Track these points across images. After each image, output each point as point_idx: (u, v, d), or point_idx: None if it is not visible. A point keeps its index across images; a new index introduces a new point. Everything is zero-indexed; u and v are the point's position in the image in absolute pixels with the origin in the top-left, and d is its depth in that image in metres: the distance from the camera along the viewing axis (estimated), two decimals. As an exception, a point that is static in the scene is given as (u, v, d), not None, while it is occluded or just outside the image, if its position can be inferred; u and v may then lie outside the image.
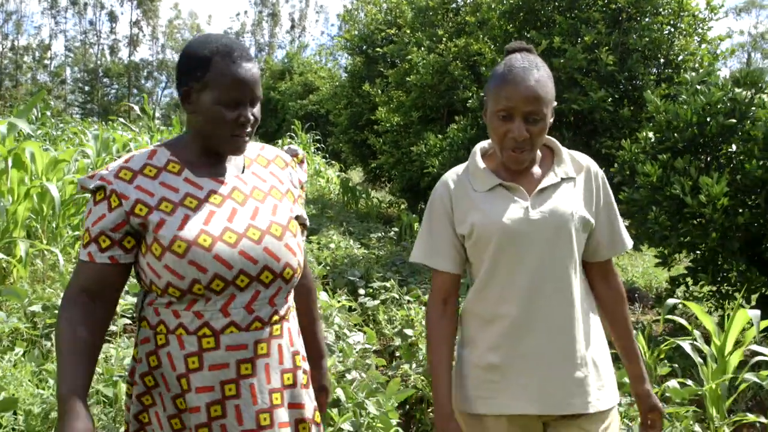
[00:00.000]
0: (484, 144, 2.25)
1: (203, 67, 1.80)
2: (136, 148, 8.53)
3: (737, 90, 5.97)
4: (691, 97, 6.14)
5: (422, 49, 12.35)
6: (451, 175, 2.20)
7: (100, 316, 1.82)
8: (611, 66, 8.22)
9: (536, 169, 2.14)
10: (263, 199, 1.92)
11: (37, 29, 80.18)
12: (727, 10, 65.49)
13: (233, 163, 1.95)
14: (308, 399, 1.96)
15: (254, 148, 2.04)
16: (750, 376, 3.84)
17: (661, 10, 8.87)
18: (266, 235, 1.84)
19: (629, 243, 2.24)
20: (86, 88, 64.49)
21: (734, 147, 5.91)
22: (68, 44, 67.40)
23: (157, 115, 19.22)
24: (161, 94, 68.08)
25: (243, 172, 1.95)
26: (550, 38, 8.55)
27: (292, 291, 1.98)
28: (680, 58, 8.89)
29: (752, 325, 4.16)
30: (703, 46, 9.01)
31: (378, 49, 15.42)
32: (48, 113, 14.25)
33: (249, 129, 1.85)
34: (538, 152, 2.15)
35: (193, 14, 72.65)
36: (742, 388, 4.07)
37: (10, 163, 5.29)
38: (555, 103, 2.08)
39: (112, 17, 67.86)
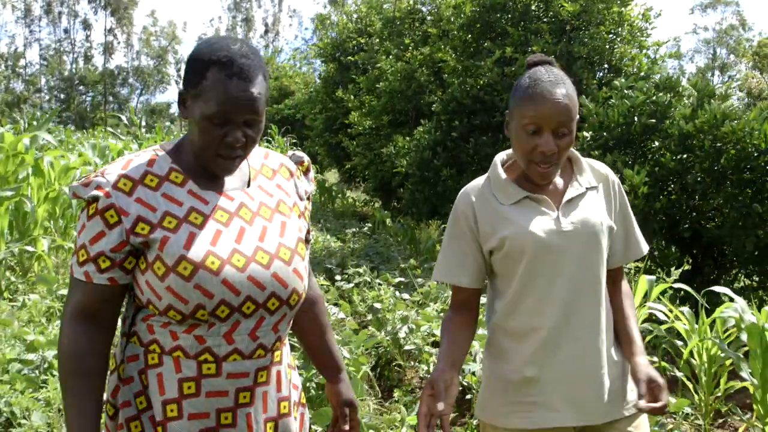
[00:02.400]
0: (503, 155, 2.22)
1: (199, 74, 1.66)
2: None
3: (659, 94, 6.94)
4: (619, 100, 7.09)
5: (390, 57, 13.28)
6: (472, 189, 2.16)
7: (102, 337, 1.74)
8: (557, 72, 9.17)
9: (558, 180, 2.13)
10: (270, 217, 1.80)
11: (11, 38, 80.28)
12: (693, 6, 67.11)
13: (238, 175, 1.83)
14: (296, 425, 1.91)
15: (258, 155, 1.91)
16: (646, 326, 4.76)
17: (604, 20, 9.86)
18: (275, 259, 1.73)
19: (645, 248, 2.25)
20: (62, 96, 64.76)
21: (656, 143, 6.87)
22: (43, 53, 67.60)
23: (125, 120, 19.89)
24: (137, 101, 68.48)
25: (249, 185, 1.83)
26: (503, 48, 9.51)
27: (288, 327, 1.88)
28: (623, 62, 9.90)
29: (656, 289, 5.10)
30: (642, 51, 10.02)
31: (350, 57, 16.36)
32: (35, 123, 15.00)
33: (239, 151, 1.70)
34: None
35: (171, 23, 72.90)
36: (648, 339, 5.01)
37: (30, 171, 6.16)
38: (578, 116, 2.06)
39: (86, 25, 68.14)
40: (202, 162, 1.75)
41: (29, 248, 5.70)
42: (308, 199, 1.98)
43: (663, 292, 5.23)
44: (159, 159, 1.77)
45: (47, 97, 65.56)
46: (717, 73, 64.37)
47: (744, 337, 4.05)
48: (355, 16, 18.03)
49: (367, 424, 3.49)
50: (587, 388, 2.05)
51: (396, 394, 4.32)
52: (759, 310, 4.25)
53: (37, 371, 3.79)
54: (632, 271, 7.18)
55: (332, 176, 22.16)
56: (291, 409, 1.86)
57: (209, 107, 1.64)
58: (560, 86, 1.97)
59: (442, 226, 11.22)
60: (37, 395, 3.51)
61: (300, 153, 2.02)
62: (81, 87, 65.89)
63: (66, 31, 68.37)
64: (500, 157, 2.20)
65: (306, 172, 1.99)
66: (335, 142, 17.16)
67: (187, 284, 1.64)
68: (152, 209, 1.68)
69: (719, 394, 4.33)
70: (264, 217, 1.79)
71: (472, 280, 2.11)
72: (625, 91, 7.24)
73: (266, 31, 78.08)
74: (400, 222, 11.74)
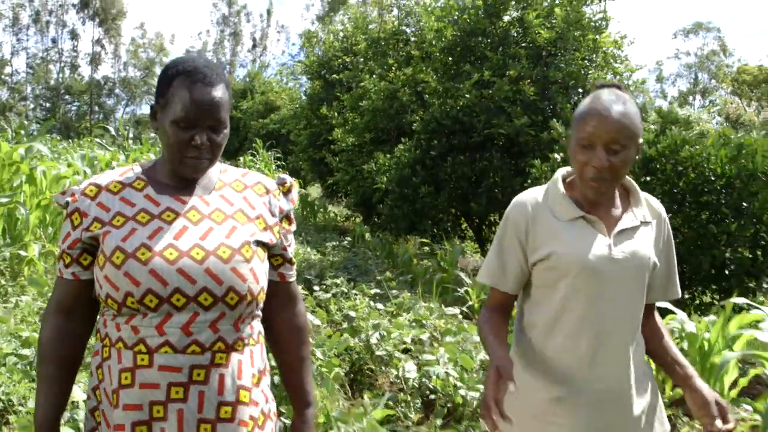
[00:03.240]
0: (565, 170, 2.23)
1: (167, 85, 1.79)
2: (119, 166, 9.66)
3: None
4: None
5: (374, 76, 13.62)
6: (528, 198, 2.16)
7: (78, 331, 1.90)
8: (533, 96, 9.56)
9: (614, 208, 2.13)
10: (222, 221, 1.85)
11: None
12: (676, 31, 68.05)
13: (203, 185, 1.91)
14: None
15: (235, 173, 1.99)
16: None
17: (580, 47, 10.26)
18: (211, 255, 1.77)
19: (679, 292, 2.25)
20: (47, 105, 64.75)
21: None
22: (30, 61, 67.63)
23: (113, 131, 20.12)
24: (123, 112, 68.53)
25: (210, 194, 1.90)
26: (481, 71, 9.89)
27: (253, 324, 1.91)
28: (597, 88, 10.27)
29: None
30: (616, 77, 10.42)
31: (335, 75, 16.71)
32: (22, 132, 15.22)
33: (206, 153, 1.80)
34: (616, 191, 2.14)
35: (159, 34, 73.10)
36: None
37: (23, 179, 6.45)
38: (642, 140, 2.05)
39: (74, 35, 68.25)
40: (173, 167, 1.84)
41: (22, 252, 5.97)
42: (287, 218, 1.99)
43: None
44: (132, 170, 1.92)
45: (32, 106, 65.49)
46: (699, 97, 65.35)
47: (686, 345, 4.37)
48: (341, 35, 18.40)
49: (336, 417, 3.75)
50: (614, 416, 2.06)
51: (366, 396, 4.60)
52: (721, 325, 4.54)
53: (29, 366, 4.05)
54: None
55: (315, 191, 22.47)
56: (236, 416, 1.81)
57: (175, 112, 1.75)
58: (618, 104, 1.98)
59: (420, 240, 11.56)
60: (32, 386, 3.78)
61: (284, 176, 2.05)
62: (67, 96, 65.89)
63: (54, 40, 68.50)
64: (561, 172, 2.21)
65: (286, 193, 2.01)
66: (319, 157, 17.48)
67: (118, 272, 1.72)
68: (107, 210, 1.81)
69: (666, 400, 4.62)
70: (214, 220, 1.84)
71: (513, 287, 2.16)
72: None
73: (254, 46, 78.48)
74: (379, 237, 12.05)
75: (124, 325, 1.76)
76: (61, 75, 68.08)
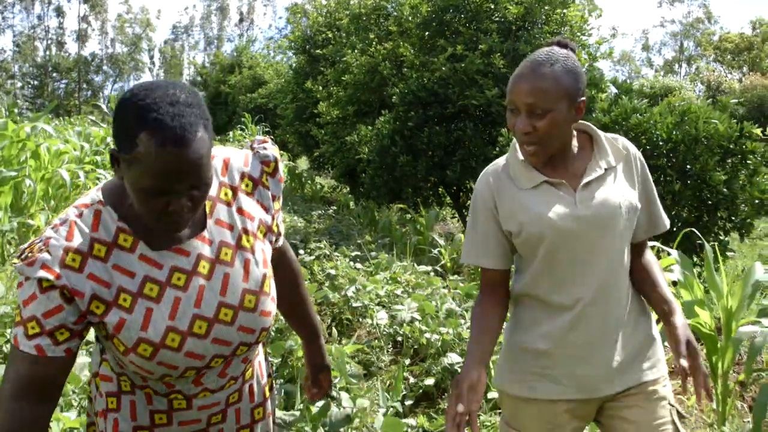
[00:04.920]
0: None
1: (130, 139, 1.42)
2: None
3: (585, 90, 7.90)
4: (550, 95, 8.05)
5: (356, 51, 14.08)
6: (491, 170, 2.15)
7: (45, 412, 1.53)
8: (503, 68, 10.12)
9: (578, 161, 2.09)
10: (232, 259, 1.67)
11: (-18, 24, 79.83)
12: (661, 0, 68.26)
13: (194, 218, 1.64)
14: (269, 422, 1.97)
15: (215, 171, 1.73)
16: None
17: (548, 21, 10.81)
18: (240, 311, 1.65)
19: (667, 223, 2.21)
20: (35, 83, 64.75)
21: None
22: (16, 39, 67.47)
23: (105, 108, 20.53)
24: (111, 89, 68.60)
25: (205, 224, 1.67)
26: (455, 46, 10.44)
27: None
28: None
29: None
30: (585, 50, 10.98)
31: (319, 50, 17.17)
32: (15, 111, 15.68)
33: (186, 214, 1.51)
34: (575, 141, 2.09)
35: (144, 9, 72.92)
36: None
37: (28, 155, 7.03)
38: (583, 98, 1.99)
39: (60, 12, 68.09)
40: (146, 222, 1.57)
41: (30, 222, 6.56)
42: (276, 198, 1.82)
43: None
44: (103, 216, 1.58)
45: (20, 84, 65.42)
46: (684, 65, 65.78)
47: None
48: (324, 10, 18.82)
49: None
50: (596, 367, 2.05)
51: (344, 340, 5.21)
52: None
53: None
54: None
55: (303, 163, 23.00)
56: (266, 413, 1.90)
57: (145, 180, 1.43)
58: (544, 66, 1.92)
59: (399, 207, 12.17)
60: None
61: (266, 151, 1.83)
62: (55, 74, 65.82)
63: (39, 17, 68.29)
64: None
65: (272, 174, 1.81)
66: (305, 130, 17.97)
67: (150, 363, 1.56)
68: (106, 285, 1.54)
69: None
70: (225, 261, 1.66)
71: (497, 262, 2.11)
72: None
73: (241, 20, 78.41)
74: (362, 205, 12.64)
75: (155, 381, 1.65)
76: (48, 52, 67.96)
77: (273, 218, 1.82)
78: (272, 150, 1.84)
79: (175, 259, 1.61)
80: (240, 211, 1.72)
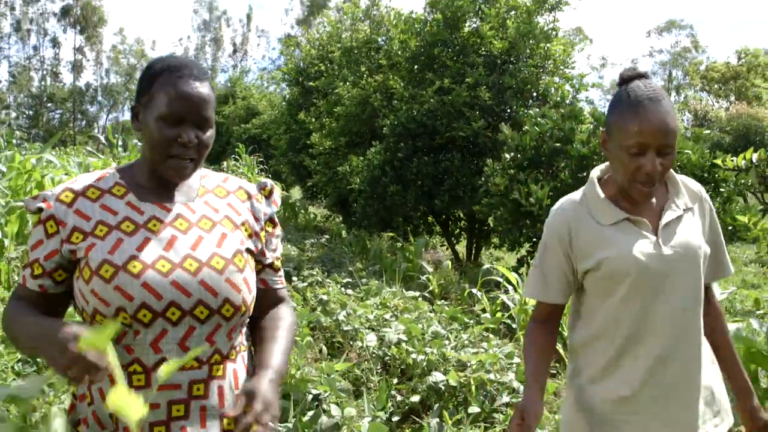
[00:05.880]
0: (598, 171, 2.20)
1: (150, 81, 1.73)
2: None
3: (565, 123, 8.27)
4: (532, 127, 8.42)
5: (348, 83, 14.47)
6: (567, 206, 2.13)
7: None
8: (489, 101, 10.52)
9: (654, 200, 2.09)
10: (210, 228, 1.78)
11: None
12: (650, 30, 69.19)
13: (184, 191, 1.84)
14: None
15: (216, 178, 1.93)
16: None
17: (533, 54, 11.23)
18: (205, 267, 1.70)
19: (731, 268, 2.24)
20: (30, 113, 65.07)
21: (562, 164, 8.19)
22: (11, 70, 67.91)
23: (103, 140, 20.84)
24: (106, 119, 69.01)
25: (194, 200, 1.83)
26: (442, 79, 10.84)
27: (241, 331, 1.83)
28: (551, 91, 11.24)
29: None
30: (568, 82, 11.39)
31: (312, 82, 17.57)
32: (14, 141, 16.00)
33: (192, 153, 1.73)
34: None
35: (139, 40, 73.56)
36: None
37: (33, 186, 7.34)
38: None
39: (55, 43, 68.62)
40: (155, 168, 1.76)
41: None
42: (270, 221, 1.94)
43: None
44: (108, 176, 1.81)
45: (14, 114, 65.71)
46: (673, 94, 66.52)
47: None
48: (317, 43, 19.24)
49: (303, 375, 4.60)
50: (681, 413, 2.04)
51: (334, 361, 5.49)
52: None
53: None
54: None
55: (296, 193, 23.30)
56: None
57: (161, 107, 1.69)
58: (662, 104, 1.92)
59: (390, 236, 12.49)
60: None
61: (265, 180, 2.00)
62: (49, 104, 66.18)
63: (35, 48, 68.78)
64: (596, 173, 2.19)
65: (268, 196, 1.96)
66: (298, 161, 18.29)
67: (108, 286, 1.63)
68: (87, 219, 1.71)
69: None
70: (203, 228, 1.77)
71: (556, 297, 2.14)
72: (538, 120, 8.57)
73: (234, 51, 79.13)
74: (354, 234, 12.95)
75: (116, 345, 1.62)
76: (43, 83, 68.40)
77: (262, 230, 1.91)
78: (271, 182, 2.01)
79: (157, 211, 1.76)
80: (229, 205, 1.87)
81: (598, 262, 2.02)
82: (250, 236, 1.86)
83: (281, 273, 1.97)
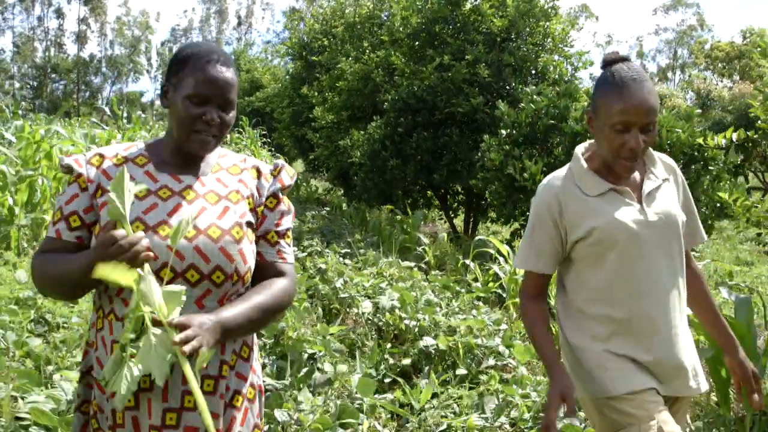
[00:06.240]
0: (582, 147, 2.29)
1: (182, 64, 1.88)
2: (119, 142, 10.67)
3: (560, 101, 8.47)
4: (528, 105, 8.62)
5: (350, 58, 14.64)
6: (555, 180, 2.24)
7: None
8: (488, 78, 10.71)
9: (634, 172, 2.21)
10: (216, 202, 1.89)
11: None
12: (656, 7, 68.81)
13: (200, 167, 1.96)
14: (232, 415, 1.88)
15: (233, 158, 2.05)
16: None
17: (532, 33, 11.40)
18: (201, 234, 1.81)
19: (704, 235, 2.38)
20: (34, 84, 65.03)
21: (556, 140, 8.41)
22: (16, 40, 67.85)
23: (108, 111, 21.01)
24: (110, 90, 69.01)
25: (207, 175, 1.95)
26: (442, 56, 11.02)
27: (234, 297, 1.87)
28: (549, 69, 11.42)
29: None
30: (567, 60, 11.56)
31: (315, 56, 17.72)
32: (20, 112, 16.20)
33: (214, 130, 1.87)
34: None
35: (144, 12, 73.32)
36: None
37: (41, 156, 7.58)
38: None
39: (60, 14, 68.48)
40: (180, 143, 1.91)
41: (46, 217, 7.11)
42: (273, 196, 2.00)
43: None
44: (135, 146, 1.98)
45: (18, 85, 65.66)
46: (678, 72, 66.38)
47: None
48: (321, 18, 19.35)
49: (300, 336, 4.84)
50: (676, 368, 2.15)
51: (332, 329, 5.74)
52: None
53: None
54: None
55: (298, 166, 23.50)
56: (217, 389, 1.83)
57: (189, 87, 1.85)
58: (645, 84, 2.04)
59: (390, 209, 12.73)
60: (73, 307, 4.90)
61: (280, 161, 2.09)
62: (53, 75, 66.10)
63: (39, 19, 68.67)
64: (580, 149, 2.29)
65: (276, 175, 2.03)
66: (301, 134, 18.54)
67: None
68: (109, 178, 1.87)
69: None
70: (209, 201, 1.89)
71: (546, 267, 2.24)
72: (534, 97, 8.77)
73: (239, 24, 78.96)
74: (354, 206, 13.19)
75: (116, 297, 1.80)
76: (47, 54, 68.29)
77: (262, 206, 1.98)
78: (282, 162, 2.09)
79: (170, 181, 1.90)
80: (241, 180, 1.97)
81: (587, 231, 2.11)
82: (251, 209, 1.94)
83: (282, 247, 1.99)
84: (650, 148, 2.20)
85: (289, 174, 2.06)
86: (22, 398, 3.41)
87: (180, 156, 1.93)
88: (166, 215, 1.82)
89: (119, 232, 1.66)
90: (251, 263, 1.89)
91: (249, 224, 1.91)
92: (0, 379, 3.50)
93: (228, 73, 1.87)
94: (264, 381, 2.25)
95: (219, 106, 1.87)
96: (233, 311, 1.78)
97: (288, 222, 2.03)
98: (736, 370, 2.27)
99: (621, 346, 2.13)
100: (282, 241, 1.99)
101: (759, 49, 4.66)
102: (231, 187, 1.94)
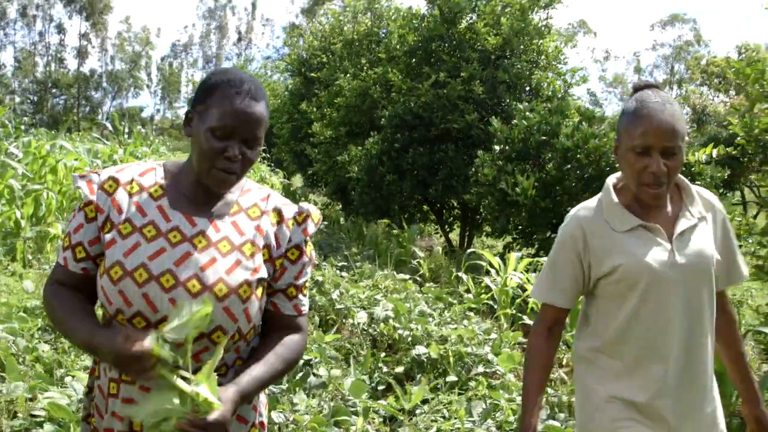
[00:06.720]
0: (614, 178, 2.21)
1: (209, 92, 1.75)
2: (121, 159, 10.91)
3: (552, 118, 8.71)
4: (521, 121, 8.85)
5: (348, 75, 14.88)
6: (583, 212, 2.15)
7: (85, 297, 1.81)
8: (482, 95, 10.95)
9: (669, 208, 2.12)
10: (227, 252, 1.76)
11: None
12: (653, 23, 69.22)
13: (219, 206, 1.82)
14: None
15: (255, 195, 1.90)
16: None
17: (526, 50, 11.65)
18: (206, 291, 1.69)
19: (746, 273, 2.26)
20: (34, 99, 65.26)
21: (548, 156, 8.63)
22: (17, 55, 68.15)
23: (109, 126, 21.26)
24: (110, 105, 69.30)
25: (223, 218, 1.81)
26: (438, 73, 11.28)
27: (242, 348, 1.81)
28: (543, 86, 11.65)
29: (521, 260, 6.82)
30: (560, 77, 11.80)
31: (314, 73, 17.97)
32: (22, 127, 16.44)
33: (236, 167, 1.73)
34: None
35: (145, 28, 73.80)
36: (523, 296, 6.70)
37: (47, 170, 7.82)
38: (687, 138, 2.01)
39: (61, 29, 68.84)
40: (199, 177, 1.77)
41: (50, 230, 7.33)
42: (297, 248, 1.85)
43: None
44: (154, 172, 1.85)
45: (19, 100, 65.88)
46: (675, 87, 66.67)
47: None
48: (320, 34, 19.63)
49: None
50: (691, 422, 2.08)
51: (327, 338, 5.93)
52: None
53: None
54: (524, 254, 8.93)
55: (297, 181, 23.71)
56: None
57: (213, 119, 1.70)
58: (667, 107, 1.97)
59: (386, 223, 12.95)
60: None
61: (306, 205, 1.92)
62: (54, 90, 66.35)
63: (41, 34, 68.98)
64: (611, 180, 2.20)
65: (301, 223, 1.87)
66: (299, 149, 18.78)
67: (114, 288, 1.68)
68: (120, 212, 1.76)
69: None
70: (220, 250, 1.76)
71: (566, 301, 2.17)
72: (527, 114, 9.01)
73: (239, 39, 79.37)
74: (352, 221, 13.39)
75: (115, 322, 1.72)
76: (48, 68, 68.58)
77: (282, 257, 1.83)
78: (308, 208, 1.92)
79: (182, 222, 1.76)
80: (258, 228, 1.81)
81: (612, 268, 2.05)
82: (266, 260, 1.81)
83: (299, 301, 1.87)
84: (689, 183, 2.16)
85: (315, 221, 1.91)
86: (32, 400, 3.61)
87: (200, 188, 1.81)
88: (173, 264, 1.71)
89: (130, 355, 1.56)
90: (256, 321, 1.80)
91: (261, 281, 1.78)
92: (15, 378, 3.69)
93: (257, 107, 1.73)
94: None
95: (243, 141, 1.74)
96: (252, 379, 1.73)
97: (308, 273, 1.90)
98: (752, 423, 2.24)
99: (626, 390, 2.09)
100: (300, 295, 1.87)
101: (733, 69, 4.86)
102: (247, 235, 1.80)
